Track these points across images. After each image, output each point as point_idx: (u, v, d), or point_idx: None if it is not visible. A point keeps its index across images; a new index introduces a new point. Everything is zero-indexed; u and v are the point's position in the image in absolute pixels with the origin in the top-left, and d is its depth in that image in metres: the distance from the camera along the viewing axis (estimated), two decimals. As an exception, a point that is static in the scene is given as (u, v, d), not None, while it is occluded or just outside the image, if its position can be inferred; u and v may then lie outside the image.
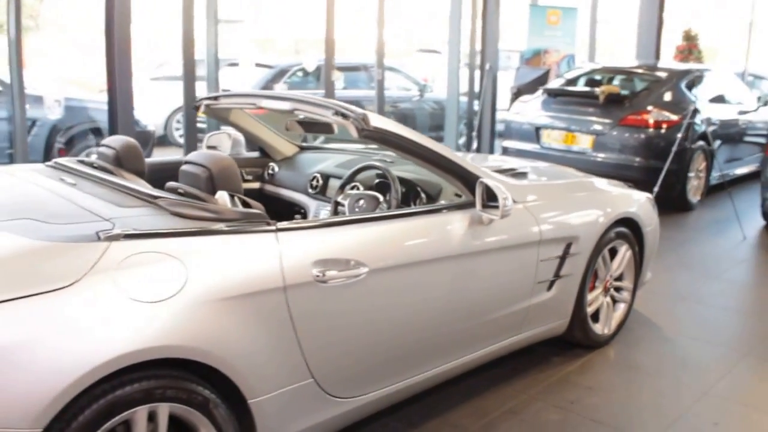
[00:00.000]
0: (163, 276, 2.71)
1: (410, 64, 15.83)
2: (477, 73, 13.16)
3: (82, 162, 4.00)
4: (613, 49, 17.50)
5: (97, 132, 9.27)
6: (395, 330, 3.58)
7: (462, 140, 12.92)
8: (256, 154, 5.57)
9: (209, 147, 5.09)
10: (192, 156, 3.52)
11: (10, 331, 2.33)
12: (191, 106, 8.83)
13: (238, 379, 2.86)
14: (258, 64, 12.46)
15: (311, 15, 20.54)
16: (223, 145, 5.23)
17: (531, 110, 10.38)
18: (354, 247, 3.33)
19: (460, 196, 4.16)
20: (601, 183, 5.28)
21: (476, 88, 13.19)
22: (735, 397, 4.49)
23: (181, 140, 12.53)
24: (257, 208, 3.25)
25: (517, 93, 12.83)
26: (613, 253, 5.09)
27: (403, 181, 4.33)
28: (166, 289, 2.68)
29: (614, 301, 5.22)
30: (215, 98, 4.75)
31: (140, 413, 2.60)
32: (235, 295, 2.86)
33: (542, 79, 13.14)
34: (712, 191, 10.14)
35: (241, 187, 3.43)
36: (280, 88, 11.71)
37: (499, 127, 12.86)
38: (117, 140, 4.10)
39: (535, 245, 4.30)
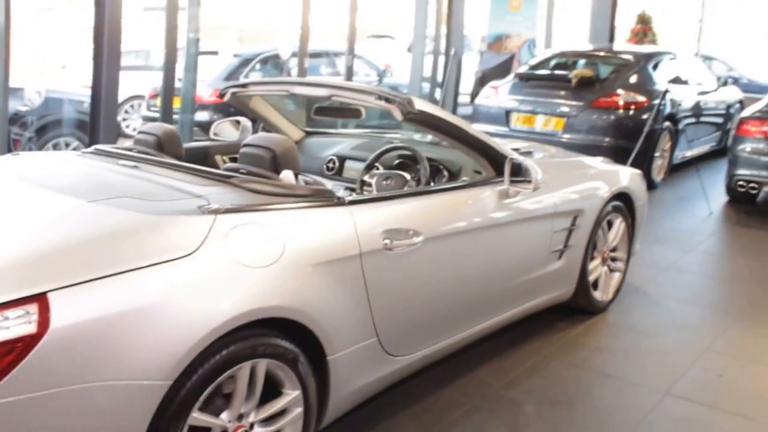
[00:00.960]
0: (264, 245, 3.01)
1: (365, 50, 16.07)
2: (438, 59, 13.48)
3: (120, 148, 4.21)
4: (569, 34, 17.91)
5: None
6: (442, 293, 3.92)
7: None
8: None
9: (215, 134, 5.29)
10: (252, 139, 3.80)
11: (146, 295, 2.61)
12: (169, 93, 9.08)
13: (323, 336, 3.16)
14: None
15: (254, 5, 20.72)
16: (225, 132, 5.41)
17: (502, 95, 10.71)
18: (411, 218, 3.67)
19: (479, 173, 4.49)
20: (596, 161, 5.66)
21: (439, 74, 13.50)
22: (734, 353, 4.91)
23: (128, 130, 12.67)
24: (321, 185, 3.56)
25: (482, 78, 13.20)
26: (609, 225, 5.46)
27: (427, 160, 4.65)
28: (268, 257, 2.98)
29: (610, 270, 5.60)
30: (243, 86, 5.01)
31: (245, 368, 2.90)
32: (321, 261, 3.17)
33: (506, 64, 13.54)
34: (673, 170, 10.60)
35: (300, 167, 3.73)
36: (249, 76, 11.91)
37: (461, 111, 13.19)
38: (157, 127, 4.34)
39: (550, 217, 4.66)
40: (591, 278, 5.31)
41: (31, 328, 2.35)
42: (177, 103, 9.91)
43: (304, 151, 5.63)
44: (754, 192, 8.83)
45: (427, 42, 14.08)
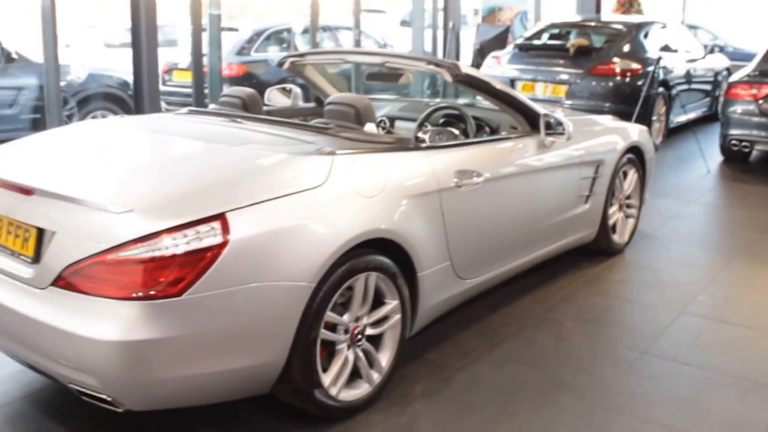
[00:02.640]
0: (371, 180, 3.72)
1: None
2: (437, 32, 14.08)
3: (213, 110, 4.89)
4: (557, 6, 18.50)
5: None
6: (498, 227, 4.64)
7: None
8: (312, 104, 6.49)
9: (268, 101, 5.89)
10: (335, 98, 4.49)
11: (294, 216, 3.31)
12: (199, 68, 9.70)
13: (414, 256, 3.87)
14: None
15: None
16: (276, 99, 6.05)
17: (504, 64, 11.40)
18: (473, 162, 4.37)
19: (515, 128, 5.19)
20: (607, 119, 6.37)
21: (439, 47, 14.12)
22: (735, 282, 5.68)
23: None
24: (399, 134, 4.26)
25: (481, 50, 13.85)
26: (624, 175, 6.17)
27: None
28: (374, 189, 3.70)
29: (626, 216, 6.31)
30: (301, 56, 5.70)
31: (361, 279, 3.60)
32: (411, 194, 3.88)
33: (502, 36, 14.20)
34: (670, 134, 11.35)
35: (376, 120, 4.41)
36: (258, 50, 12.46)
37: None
38: (241, 90, 5.01)
39: (577, 166, 5.37)
40: (610, 222, 6.02)
41: (217, 240, 3.05)
42: (189, 77, 10.47)
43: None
44: (746, 150, 9.61)
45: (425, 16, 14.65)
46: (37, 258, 3.22)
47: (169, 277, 2.96)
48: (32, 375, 4.01)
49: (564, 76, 10.64)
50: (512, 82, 10.98)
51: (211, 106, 5.13)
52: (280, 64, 5.80)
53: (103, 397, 3.09)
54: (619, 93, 10.32)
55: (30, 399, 3.86)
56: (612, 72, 10.41)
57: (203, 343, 3.08)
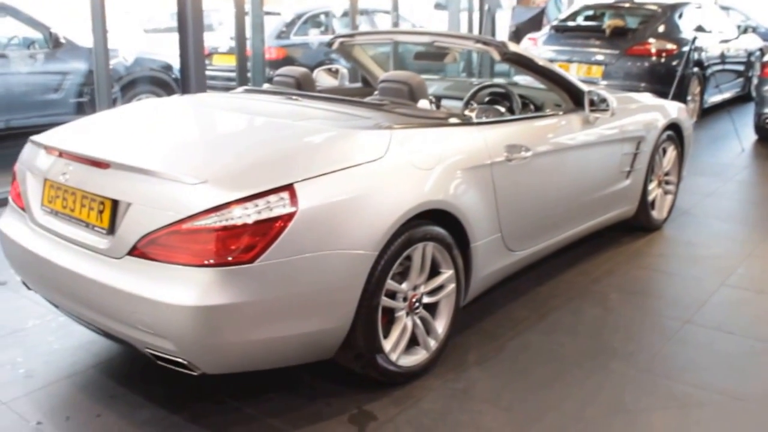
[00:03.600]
0: (427, 153, 3.87)
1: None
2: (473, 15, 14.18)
3: (267, 89, 5.06)
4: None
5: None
6: (545, 200, 4.79)
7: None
8: (358, 84, 6.64)
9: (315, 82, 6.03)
10: (389, 76, 4.63)
11: (356, 187, 3.47)
12: (242, 52, 9.85)
13: (468, 227, 4.02)
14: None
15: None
16: (322, 80, 6.20)
17: (540, 46, 11.50)
18: (521, 137, 4.51)
19: (559, 105, 5.32)
20: (646, 96, 6.48)
21: (475, 29, 14.23)
22: (773, 257, 5.81)
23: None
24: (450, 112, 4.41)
25: (516, 32, 13.95)
26: (663, 152, 6.28)
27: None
28: (431, 162, 3.85)
29: (665, 192, 6.43)
30: (351, 36, 5.85)
31: (418, 249, 3.76)
32: (465, 167, 4.03)
33: (537, 18, 14.29)
34: (705, 114, 11.42)
35: (429, 96, 4.56)
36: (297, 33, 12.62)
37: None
38: (294, 70, 5.18)
39: (619, 142, 5.50)
40: (650, 198, 6.14)
41: (286, 210, 3.21)
42: (229, 61, 10.64)
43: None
44: (781, 129, 9.68)
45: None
46: (112, 229, 3.40)
47: (242, 244, 3.13)
48: (102, 344, 4.23)
49: (600, 57, 10.74)
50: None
51: (265, 86, 5.29)
52: (330, 44, 5.98)
53: (180, 360, 3.26)
54: (654, 73, 10.41)
55: (100, 367, 4.06)
56: (647, 52, 10.51)
57: (274, 309, 3.25)
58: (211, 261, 3.11)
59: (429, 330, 3.93)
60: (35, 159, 3.92)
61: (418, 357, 3.89)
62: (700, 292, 5.03)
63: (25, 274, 3.95)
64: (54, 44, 9.39)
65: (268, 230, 3.16)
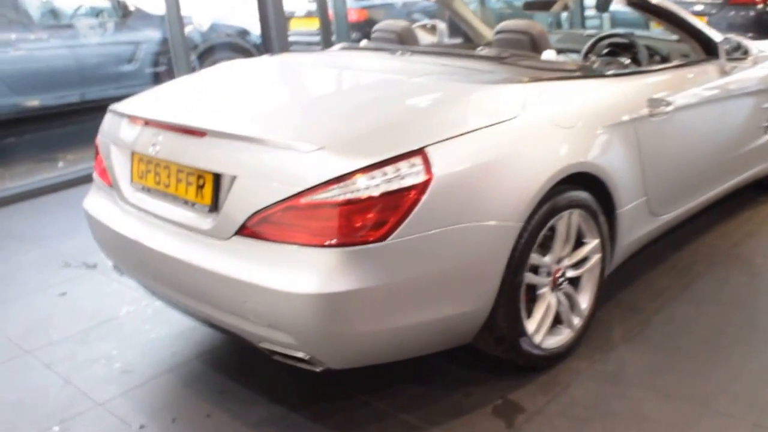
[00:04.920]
0: (566, 109, 3.37)
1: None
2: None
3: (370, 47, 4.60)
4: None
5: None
6: (687, 159, 4.25)
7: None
8: (459, 40, 6.16)
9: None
10: (506, 26, 4.13)
11: (495, 150, 2.99)
12: (325, 14, 9.45)
13: (615, 192, 3.53)
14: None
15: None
16: (419, 35, 5.73)
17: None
18: (662, 90, 3.98)
19: (686, 56, 4.76)
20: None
21: None
22: None
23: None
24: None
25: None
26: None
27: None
28: (572, 119, 3.34)
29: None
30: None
31: (564, 217, 3.28)
32: (608, 125, 3.52)
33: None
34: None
35: (551, 47, 4.05)
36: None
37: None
38: (395, 24, 4.71)
39: (757, 94, 4.91)
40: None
41: (420, 178, 2.74)
42: (308, 25, 10.26)
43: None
44: None
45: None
46: (215, 206, 2.96)
47: (370, 221, 2.67)
48: (204, 331, 3.83)
49: (700, 7, 10.06)
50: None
51: (363, 42, 4.82)
52: (431, -7, 5.50)
53: (300, 356, 2.82)
54: (761, 22, 9.70)
55: (205, 358, 3.66)
56: (752, 1, 9.81)
57: (408, 292, 2.79)
58: (335, 241, 2.65)
59: (573, 306, 3.46)
60: (118, 130, 3.49)
61: (562, 337, 3.43)
62: None
63: (116, 258, 3.55)
64: (123, 12, 9.06)
65: (399, 202, 2.70)
